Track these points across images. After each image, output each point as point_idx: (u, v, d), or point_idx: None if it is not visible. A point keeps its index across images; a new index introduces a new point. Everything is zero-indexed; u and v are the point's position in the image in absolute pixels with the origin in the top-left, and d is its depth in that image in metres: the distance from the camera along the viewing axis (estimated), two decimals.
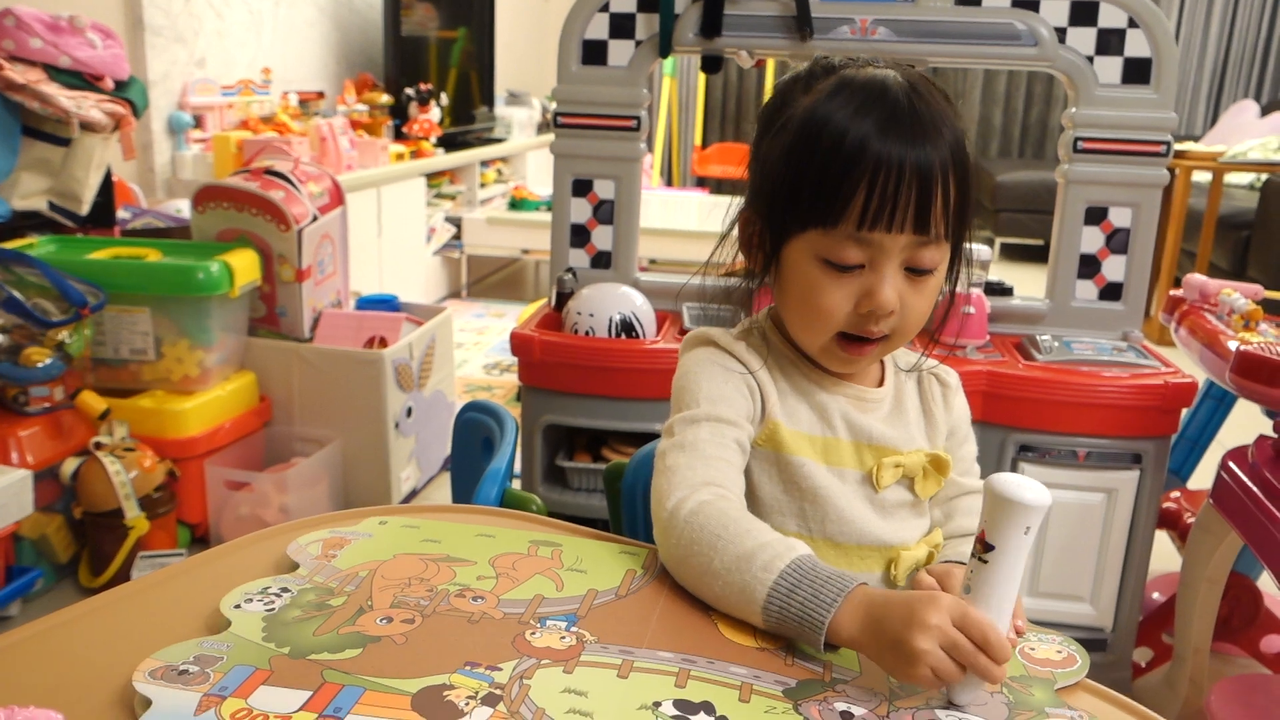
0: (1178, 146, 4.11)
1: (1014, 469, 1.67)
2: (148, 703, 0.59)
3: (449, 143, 4.40)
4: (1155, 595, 1.96)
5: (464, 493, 1.25)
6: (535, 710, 0.60)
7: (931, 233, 0.82)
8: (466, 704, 0.60)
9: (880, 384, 0.95)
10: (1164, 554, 1.98)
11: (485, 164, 4.85)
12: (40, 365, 1.90)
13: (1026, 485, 0.64)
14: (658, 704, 0.62)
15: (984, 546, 0.65)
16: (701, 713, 0.61)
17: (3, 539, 1.79)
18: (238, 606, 0.70)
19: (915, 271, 0.84)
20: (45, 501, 1.90)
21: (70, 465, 1.93)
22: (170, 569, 0.80)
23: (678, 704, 0.62)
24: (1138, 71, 1.72)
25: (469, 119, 4.82)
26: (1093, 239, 1.79)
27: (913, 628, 0.64)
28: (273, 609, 0.70)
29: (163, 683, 0.61)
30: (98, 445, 1.95)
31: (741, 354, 0.91)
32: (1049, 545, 1.69)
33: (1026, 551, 0.66)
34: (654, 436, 1.14)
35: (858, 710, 0.63)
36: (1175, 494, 2.00)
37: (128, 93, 2.35)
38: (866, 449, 0.91)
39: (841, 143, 0.81)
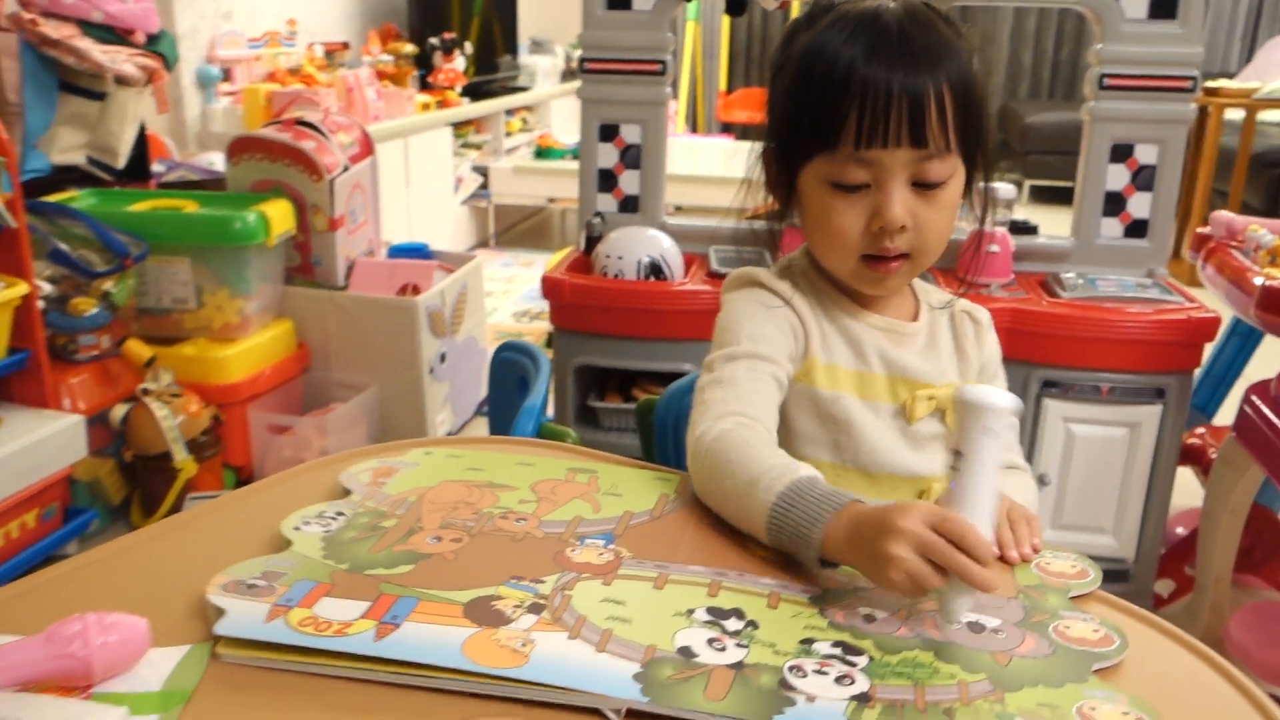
0: (1210, 84, 4.04)
1: (1038, 404, 1.70)
2: (221, 612, 0.64)
3: (474, 92, 4.40)
4: (1179, 530, 1.99)
5: (502, 428, 1.30)
6: (577, 618, 0.65)
7: (930, 146, 0.85)
8: (513, 612, 0.65)
9: (915, 319, 0.98)
10: (1189, 490, 2.00)
11: (510, 113, 4.85)
12: (87, 314, 1.97)
13: (986, 390, 0.67)
14: (691, 611, 0.66)
15: (955, 455, 0.68)
16: (732, 618, 0.66)
17: (59, 481, 1.86)
18: (297, 529, 0.75)
19: (924, 186, 0.87)
20: (97, 446, 1.97)
21: (119, 411, 2.00)
22: (227, 497, 0.85)
23: (710, 610, 0.66)
24: (1164, 6, 1.71)
25: (493, 68, 4.82)
26: (1118, 176, 1.80)
27: (886, 534, 0.66)
28: (330, 530, 0.75)
29: (234, 595, 0.65)
30: (145, 391, 2.01)
31: (784, 291, 0.94)
32: (1072, 478, 1.72)
33: (994, 454, 0.67)
34: (683, 375, 1.19)
35: (880, 614, 0.68)
36: (1200, 430, 2.02)
37: (159, 46, 2.38)
38: (900, 382, 0.94)
39: (834, 68, 0.85)
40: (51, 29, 2.14)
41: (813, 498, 0.73)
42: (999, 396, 0.66)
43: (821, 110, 0.86)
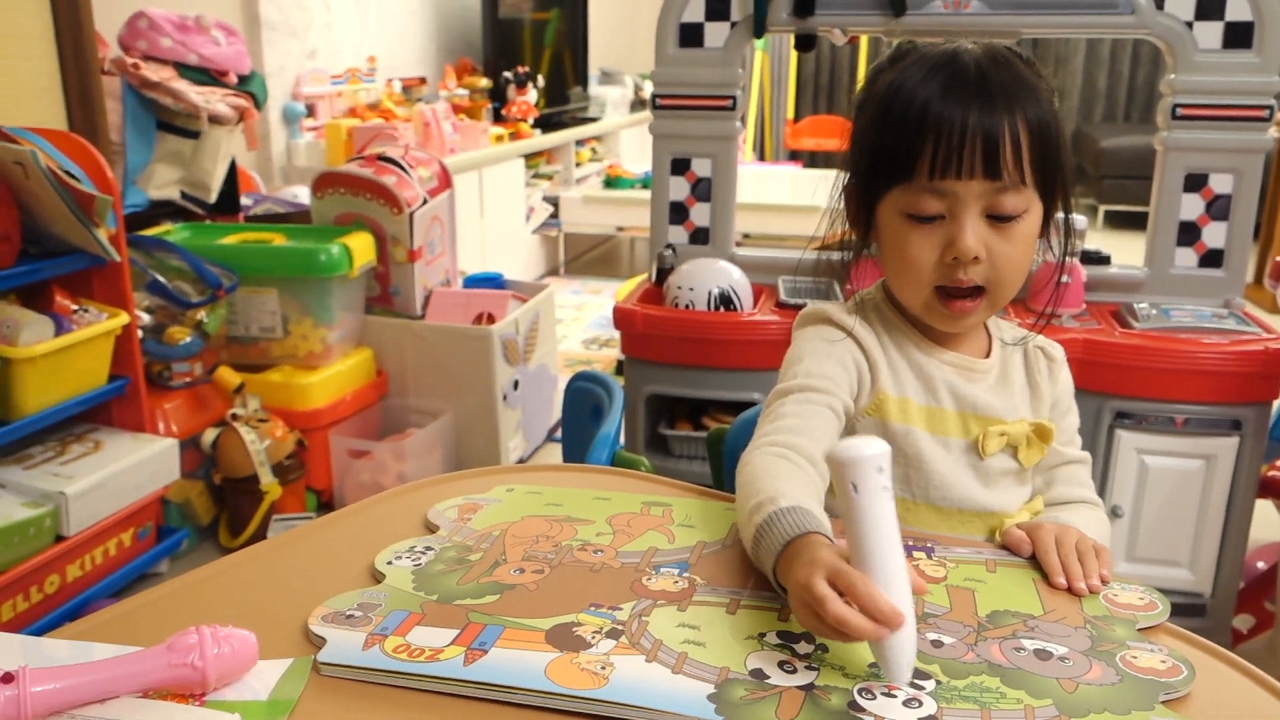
0: None
1: (1110, 436, 1.69)
2: (323, 640, 0.69)
3: (545, 123, 4.50)
4: (1260, 564, 1.95)
5: (575, 455, 1.34)
6: (654, 641, 0.68)
7: (1004, 178, 0.86)
8: (593, 637, 0.68)
9: (987, 355, 0.99)
10: (1270, 523, 1.97)
11: (580, 143, 4.94)
12: (182, 343, 2.07)
13: (845, 445, 0.65)
14: (762, 635, 0.69)
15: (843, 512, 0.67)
16: (802, 641, 0.68)
17: (154, 502, 1.95)
18: (390, 563, 0.80)
19: (999, 219, 0.88)
20: (188, 468, 2.06)
21: (210, 435, 2.09)
22: (317, 522, 0.90)
23: (780, 634, 0.69)
24: (1239, 36, 1.70)
25: (563, 99, 4.92)
26: (1192, 206, 1.78)
27: (791, 588, 0.68)
28: (420, 564, 0.79)
29: (333, 626, 0.70)
30: (234, 417, 2.10)
31: (848, 324, 0.96)
32: (1146, 510, 1.70)
33: (872, 503, 0.64)
34: (752, 404, 1.21)
35: (948, 639, 0.69)
36: None
37: (250, 86, 2.50)
38: (972, 418, 0.95)
39: (911, 103, 0.88)
40: (151, 72, 2.26)
41: (776, 529, 0.73)
42: (849, 448, 0.64)
43: (898, 143, 0.88)
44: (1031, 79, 0.89)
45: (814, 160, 6.39)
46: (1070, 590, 0.78)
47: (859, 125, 0.96)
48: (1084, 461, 1.01)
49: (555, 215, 4.56)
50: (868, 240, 0.97)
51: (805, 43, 1.90)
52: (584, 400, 1.32)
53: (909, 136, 0.88)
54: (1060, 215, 0.95)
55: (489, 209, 3.85)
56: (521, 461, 2.59)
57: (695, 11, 1.89)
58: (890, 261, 0.94)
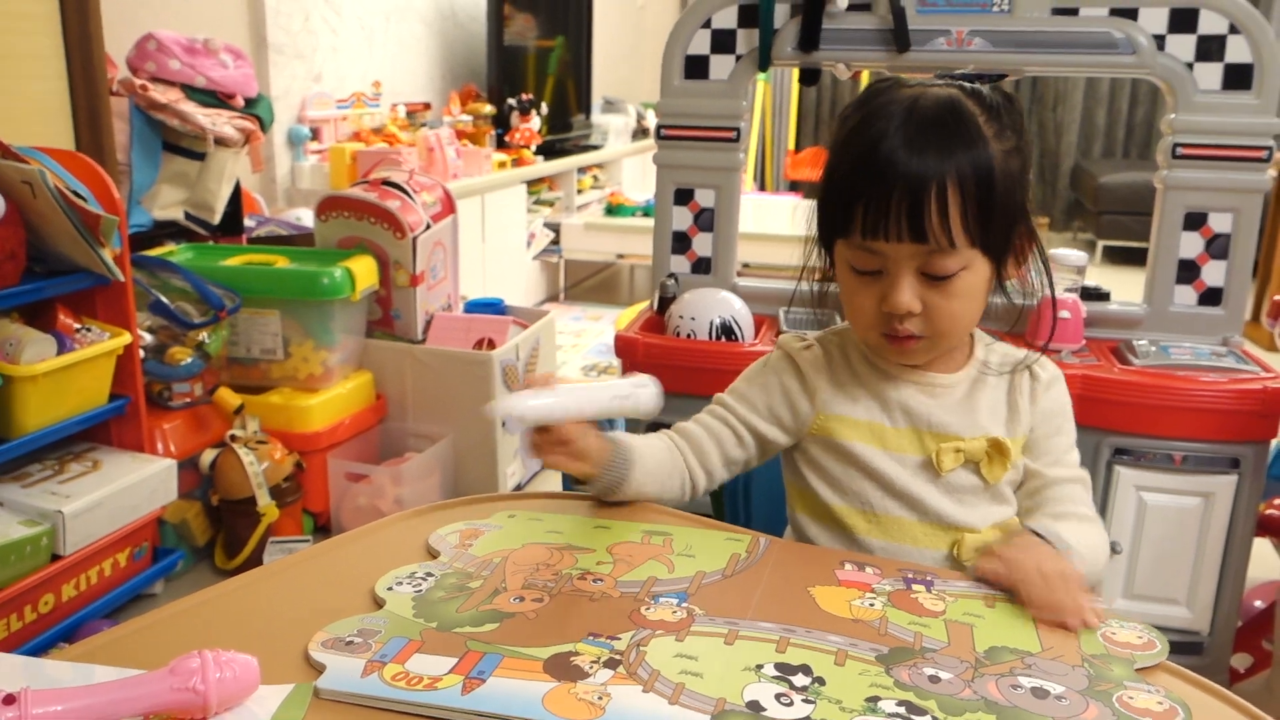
0: None
1: (1109, 472, 1.69)
2: (322, 667, 0.69)
3: (548, 150, 4.52)
4: (1257, 603, 1.94)
5: (576, 482, 1.34)
6: (651, 672, 0.68)
7: (932, 242, 0.87)
8: (591, 667, 0.68)
9: (956, 371, 0.99)
10: (1269, 562, 1.96)
11: (582, 170, 4.96)
12: (183, 363, 2.07)
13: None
14: (760, 666, 0.69)
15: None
16: (800, 674, 0.68)
17: (150, 522, 1.95)
18: (390, 589, 0.80)
19: (934, 278, 0.89)
20: (186, 489, 2.06)
21: (208, 456, 2.09)
22: (317, 547, 0.90)
23: (778, 666, 0.69)
24: (1238, 77, 1.72)
25: (566, 127, 4.95)
26: (1192, 244, 1.80)
27: None
28: (420, 591, 0.79)
29: (333, 652, 0.70)
30: (233, 438, 2.10)
31: (795, 352, 1.01)
32: (1144, 547, 1.70)
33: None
34: None
35: (945, 675, 0.69)
36: (1279, 501, 1.98)
37: (256, 109, 2.52)
38: (928, 435, 0.96)
39: (848, 157, 0.91)
40: (159, 94, 2.27)
41: None
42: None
43: (839, 200, 0.91)
44: (980, 131, 0.88)
45: (813, 191, 6.40)
46: (1064, 626, 0.77)
47: (827, 165, 0.97)
48: (1077, 481, 0.99)
49: (556, 241, 4.58)
50: (830, 278, 1.01)
51: (810, 76, 1.91)
52: None
53: (846, 196, 0.90)
54: (1018, 269, 0.95)
55: (491, 234, 3.87)
56: (519, 487, 2.59)
57: (701, 44, 1.91)
58: (844, 304, 0.98)
